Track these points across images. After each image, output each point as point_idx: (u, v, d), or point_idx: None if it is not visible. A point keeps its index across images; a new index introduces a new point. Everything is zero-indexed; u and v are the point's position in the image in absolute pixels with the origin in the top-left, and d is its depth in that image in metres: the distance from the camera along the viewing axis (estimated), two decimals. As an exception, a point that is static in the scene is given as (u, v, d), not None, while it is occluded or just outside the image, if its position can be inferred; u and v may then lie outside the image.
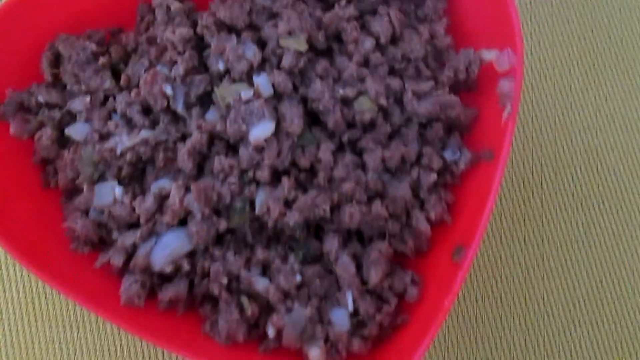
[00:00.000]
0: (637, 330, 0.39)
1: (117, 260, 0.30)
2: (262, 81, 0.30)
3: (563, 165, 0.41)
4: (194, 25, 0.33)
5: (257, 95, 0.30)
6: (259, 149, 0.30)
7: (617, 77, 0.43)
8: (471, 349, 0.37)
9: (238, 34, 0.32)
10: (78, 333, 0.35)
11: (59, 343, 0.35)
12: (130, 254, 0.30)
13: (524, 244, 0.40)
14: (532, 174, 0.41)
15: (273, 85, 0.31)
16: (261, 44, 0.32)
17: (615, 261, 0.40)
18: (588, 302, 0.39)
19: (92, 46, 0.32)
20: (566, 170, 0.41)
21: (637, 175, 0.41)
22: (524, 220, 0.40)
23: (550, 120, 0.42)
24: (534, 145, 0.41)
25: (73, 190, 0.32)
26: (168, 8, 0.32)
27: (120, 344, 0.35)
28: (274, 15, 0.33)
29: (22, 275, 0.36)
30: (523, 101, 0.41)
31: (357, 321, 0.31)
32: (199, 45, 0.33)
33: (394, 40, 0.33)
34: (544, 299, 0.39)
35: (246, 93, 0.30)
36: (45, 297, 0.35)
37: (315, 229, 0.32)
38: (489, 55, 0.32)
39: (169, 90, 0.31)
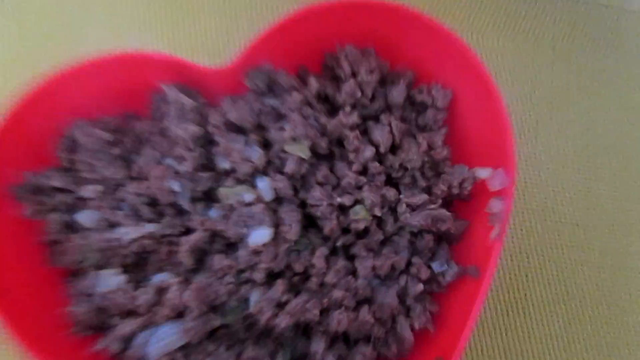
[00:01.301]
0: None
1: (115, 347, 0.31)
2: (264, 186, 0.32)
3: (548, 260, 0.42)
4: (205, 121, 0.34)
5: (258, 199, 0.32)
6: (257, 252, 0.31)
7: (607, 178, 0.45)
8: None
9: (245, 134, 0.34)
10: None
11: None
12: (127, 341, 0.31)
13: (506, 335, 0.41)
14: (518, 267, 0.42)
15: (275, 190, 0.32)
16: (267, 144, 0.34)
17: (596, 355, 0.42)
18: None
19: (106, 135, 0.34)
20: (551, 265, 0.42)
21: (619, 273, 0.43)
22: (507, 314, 0.42)
23: (539, 214, 0.43)
24: (521, 236, 0.43)
25: (77, 273, 0.33)
26: (182, 104, 0.34)
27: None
28: (281, 116, 0.34)
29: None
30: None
31: None
32: (208, 141, 0.34)
33: (393, 148, 0.35)
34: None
35: (248, 196, 0.32)
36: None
37: (304, 329, 0.33)
38: (483, 173, 0.34)
39: (176, 187, 0.32)
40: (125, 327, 0.31)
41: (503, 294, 0.40)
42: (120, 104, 0.35)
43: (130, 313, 0.32)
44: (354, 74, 0.35)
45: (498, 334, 0.40)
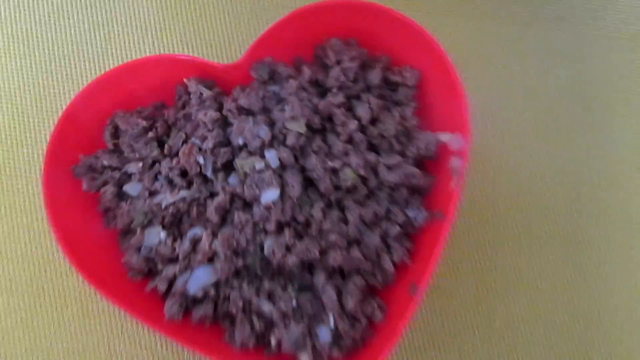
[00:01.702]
0: (564, 338, 0.48)
1: (162, 286, 0.40)
2: (271, 156, 0.40)
3: (513, 209, 0.50)
4: (221, 107, 0.42)
5: (267, 166, 0.40)
6: (268, 208, 0.40)
7: (564, 137, 0.51)
8: (429, 355, 0.47)
9: (254, 115, 0.42)
10: (126, 333, 0.45)
11: (108, 339, 0.45)
12: (171, 282, 0.40)
13: (476, 272, 0.48)
14: (486, 215, 0.50)
15: (279, 159, 0.40)
16: (271, 122, 0.42)
17: (553, 289, 0.49)
18: (527, 323, 0.48)
19: (143, 122, 0.42)
20: (515, 214, 0.50)
21: (575, 221, 0.50)
22: (477, 254, 0.49)
23: (505, 171, 0.51)
24: (490, 189, 0.50)
25: (128, 232, 0.41)
26: (201, 94, 0.42)
27: (158, 344, 0.45)
28: (281, 100, 0.42)
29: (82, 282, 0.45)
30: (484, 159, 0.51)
31: (337, 335, 0.39)
32: (224, 123, 0.42)
33: (373, 121, 0.42)
34: (491, 316, 0.48)
35: (259, 164, 0.40)
36: (102, 305, 0.46)
37: (308, 265, 0.41)
38: (444, 137, 0.41)
39: (201, 160, 0.41)
40: (169, 271, 0.40)
41: (465, 232, 0.49)
42: (151, 96, 0.43)
43: (171, 260, 0.40)
44: (338, 62, 0.43)
45: (470, 256, 0.48)
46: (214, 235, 0.40)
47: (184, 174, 0.41)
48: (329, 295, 0.40)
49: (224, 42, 0.49)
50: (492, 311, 0.48)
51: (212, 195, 0.41)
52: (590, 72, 0.53)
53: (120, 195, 0.42)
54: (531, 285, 0.49)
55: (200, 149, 0.41)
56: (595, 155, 0.51)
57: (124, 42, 0.49)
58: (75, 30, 0.49)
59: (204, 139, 0.41)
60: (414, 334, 0.47)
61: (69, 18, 0.49)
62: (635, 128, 0.52)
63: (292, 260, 0.39)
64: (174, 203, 0.40)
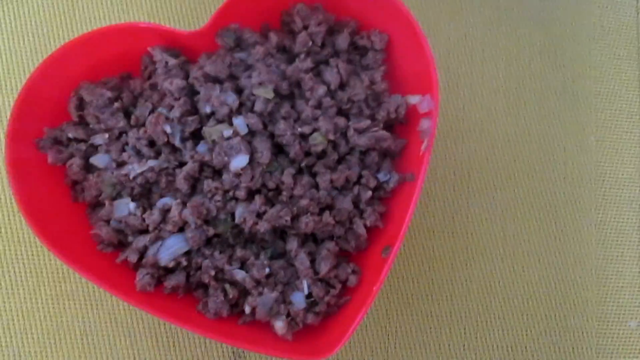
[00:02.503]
0: (538, 301, 0.49)
1: (133, 257, 0.39)
2: (239, 123, 0.39)
3: (486, 172, 0.50)
4: (187, 75, 0.41)
5: (235, 133, 0.39)
6: (238, 175, 0.39)
7: (534, 99, 0.52)
8: (405, 319, 0.47)
9: (221, 83, 0.41)
10: (100, 310, 0.45)
11: (82, 318, 0.45)
12: (142, 253, 0.39)
13: (452, 236, 0.49)
14: (460, 179, 0.50)
15: (248, 125, 0.40)
16: (239, 90, 0.41)
17: (526, 251, 0.49)
18: (502, 285, 0.48)
19: (108, 93, 0.41)
20: (488, 176, 0.51)
21: (546, 180, 0.51)
22: (452, 217, 0.49)
23: (476, 133, 0.51)
24: (462, 153, 0.51)
25: (97, 204, 0.41)
26: (166, 63, 0.41)
27: (133, 320, 0.45)
28: (249, 67, 0.42)
29: (56, 265, 0.45)
30: (456, 118, 0.51)
31: (311, 301, 0.40)
32: (191, 91, 0.41)
33: (342, 86, 0.42)
34: (466, 281, 0.49)
35: (227, 132, 0.39)
36: (75, 281, 0.45)
37: (280, 232, 0.41)
38: (414, 99, 0.41)
39: (168, 129, 0.40)
40: (139, 242, 0.40)
41: (450, 189, 0.49)
42: (117, 67, 0.43)
43: (142, 232, 0.40)
44: (305, 27, 0.42)
45: (447, 220, 0.49)
46: (184, 204, 0.40)
47: (151, 144, 0.41)
48: (302, 261, 0.40)
49: (189, 10, 0.48)
50: (468, 276, 0.49)
51: (181, 164, 0.40)
52: (560, 34, 0.53)
53: (88, 168, 0.41)
54: (507, 249, 0.49)
55: (167, 118, 0.40)
56: (565, 117, 0.52)
57: (88, 13, 0.48)
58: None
59: (171, 107, 0.40)
60: (390, 299, 0.47)
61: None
62: (600, 91, 0.53)
63: (263, 227, 0.39)
64: (142, 173, 0.40)
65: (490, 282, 0.49)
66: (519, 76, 0.52)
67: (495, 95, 0.52)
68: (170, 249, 0.39)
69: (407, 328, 0.47)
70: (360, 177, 0.41)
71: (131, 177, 0.40)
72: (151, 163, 0.40)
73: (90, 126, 0.41)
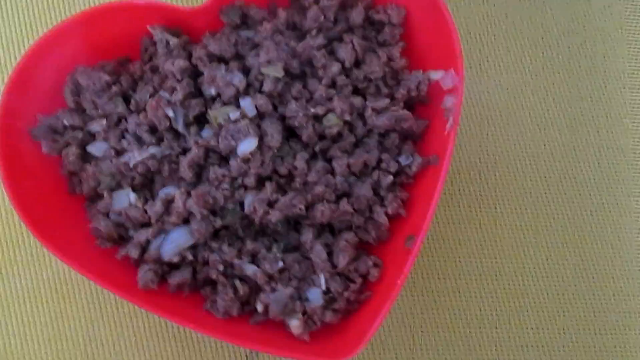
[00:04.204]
0: (574, 296, 0.45)
1: (134, 253, 0.36)
2: (247, 104, 0.37)
3: (514, 158, 0.47)
4: (189, 55, 0.39)
5: (243, 116, 0.36)
6: (246, 160, 0.36)
7: (563, 79, 0.49)
8: (431, 318, 0.44)
9: (226, 63, 0.38)
10: (101, 310, 0.42)
11: (84, 319, 0.42)
12: (144, 247, 0.37)
13: (479, 228, 0.46)
14: (487, 166, 0.47)
15: (256, 107, 0.37)
16: (246, 70, 0.38)
17: (560, 242, 0.46)
18: (535, 279, 0.45)
19: (106, 77, 0.38)
20: (516, 162, 0.48)
21: (578, 165, 0.48)
22: (479, 207, 0.46)
23: (503, 118, 0.48)
24: (488, 140, 0.48)
25: (95, 196, 0.38)
26: (167, 42, 0.38)
27: (138, 321, 0.42)
28: (256, 45, 0.39)
29: (55, 262, 0.42)
30: (476, 104, 0.48)
31: (329, 298, 0.37)
32: (194, 72, 0.38)
33: (357, 63, 0.39)
34: (496, 275, 0.46)
35: (234, 114, 0.36)
36: (77, 282, 0.42)
37: (294, 223, 0.38)
38: (436, 75, 0.38)
39: (170, 113, 0.37)
40: (141, 235, 0.37)
41: (474, 176, 0.46)
42: (115, 50, 0.40)
43: (144, 225, 0.37)
44: (316, 1, 0.39)
45: (474, 210, 0.45)
46: (189, 194, 0.37)
47: (152, 130, 0.38)
48: (318, 254, 0.37)
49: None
50: (497, 270, 0.45)
51: (185, 151, 0.38)
52: (588, 11, 0.50)
53: (85, 158, 0.39)
54: (539, 241, 0.46)
55: (169, 102, 0.37)
56: (596, 98, 0.48)
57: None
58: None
59: (172, 90, 0.38)
60: (414, 295, 0.44)
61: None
62: (633, 70, 0.49)
63: (275, 216, 0.36)
64: (143, 161, 0.37)
65: (522, 277, 0.45)
66: (545, 56, 0.49)
67: (521, 76, 0.48)
68: (175, 243, 0.36)
69: (433, 327, 0.44)
70: (379, 161, 0.38)
71: (131, 165, 0.37)
72: (152, 150, 0.37)
73: (87, 112, 0.39)
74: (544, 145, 0.47)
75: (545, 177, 0.47)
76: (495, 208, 0.46)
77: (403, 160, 0.38)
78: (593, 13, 0.50)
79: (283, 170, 0.37)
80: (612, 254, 0.46)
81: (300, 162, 0.37)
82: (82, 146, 0.38)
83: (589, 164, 0.47)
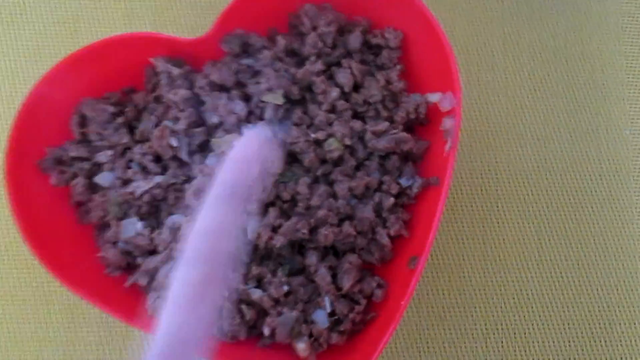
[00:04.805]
0: (579, 309, 0.46)
1: (143, 280, 0.37)
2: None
3: (515, 173, 0.48)
4: (192, 85, 0.40)
5: (245, 143, 0.37)
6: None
7: (562, 92, 0.50)
8: (437, 334, 0.44)
9: (228, 91, 0.39)
10: (110, 335, 0.43)
11: (96, 344, 0.43)
12: (152, 275, 0.38)
13: (483, 243, 0.46)
14: (489, 182, 0.47)
15: (258, 134, 0.38)
16: (247, 98, 0.39)
17: (563, 255, 0.46)
18: (540, 293, 0.45)
19: (110, 108, 0.39)
20: (518, 177, 0.48)
21: (580, 178, 0.48)
22: (482, 223, 0.47)
23: (503, 133, 0.48)
24: (489, 155, 0.48)
25: (103, 225, 0.39)
26: (170, 73, 0.39)
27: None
28: (256, 73, 0.40)
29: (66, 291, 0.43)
30: (479, 118, 0.48)
31: (335, 319, 0.37)
32: (197, 101, 0.39)
33: (356, 87, 0.40)
34: (501, 290, 0.46)
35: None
36: (88, 309, 0.43)
37: (298, 246, 0.38)
38: (434, 97, 0.39)
39: (174, 142, 0.38)
40: (150, 263, 0.37)
41: (477, 193, 0.46)
42: (119, 82, 0.41)
43: (152, 252, 0.38)
44: (314, 28, 0.40)
45: (476, 226, 0.46)
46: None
47: (157, 159, 0.39)
48: (322, 276, 0.37)
49: (191, 16, 0.46)
50: (502, 285, 0.45)
51: (190, 179, 0.38)
52: (586, 24, 0.50)
53: (92, 188, 0.39)
54: (543, 254, 0.46)
55: (173, 131, 0.38)
56: (595, 110, 0.49)
57: (90, 28, 0.47)
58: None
59: (176, 120, 0.38)
60: (419, 313, 0.44)
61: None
62: (632, 81, 0.50)
63: (280, 242, 0.37)
64: (148, 190, 0.38)
65: (527, 291, 0.45)
66: (544, 69, 0.49)
67: (520, 90, 0.49)
68: (182, 270, 0.37)
69: (439, 344, 0.44)
70: (381, 183, 0.39)
71: (137, 194, 0.38)
72: (158, 179, 0.38)
73: (93, 144, 0.39)
74: (545, 159, 0.48)
75: (547, 191, 0.47)
76: (498, 223, 0.46)
77: (404, 182, 0.39)
78: (590, 26, 0.50)
79: (286, 195, 0.38)
80: (615, 266, 0.46)
81: (302, 187, 0.38)
82: (90, 177, 0.39)
83: (590, 177, 0.48)
